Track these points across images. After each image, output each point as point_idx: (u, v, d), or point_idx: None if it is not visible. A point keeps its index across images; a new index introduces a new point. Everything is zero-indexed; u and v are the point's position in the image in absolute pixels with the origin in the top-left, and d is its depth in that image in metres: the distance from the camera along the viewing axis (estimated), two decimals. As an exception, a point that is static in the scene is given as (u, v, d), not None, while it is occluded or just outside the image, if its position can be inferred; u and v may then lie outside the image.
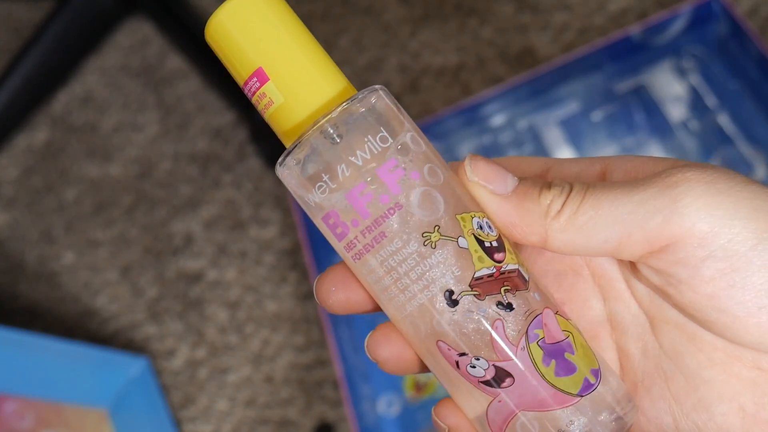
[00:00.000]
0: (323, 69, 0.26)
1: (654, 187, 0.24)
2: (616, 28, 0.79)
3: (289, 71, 0.25)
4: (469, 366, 0.24)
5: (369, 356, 0.27)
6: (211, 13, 0.26)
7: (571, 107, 0.75)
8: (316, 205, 0.25)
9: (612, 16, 0.80)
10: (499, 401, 0.24)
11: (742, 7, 0.76)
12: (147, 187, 0.87)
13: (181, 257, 0.82)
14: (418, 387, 0.69)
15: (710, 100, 0.72)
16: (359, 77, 0.86)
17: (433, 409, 0.27)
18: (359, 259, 0.25)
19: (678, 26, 0.73)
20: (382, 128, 0.25)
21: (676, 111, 0.72)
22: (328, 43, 0.89)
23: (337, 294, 0.27)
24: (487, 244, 0.25)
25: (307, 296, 0.76)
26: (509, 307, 0.24)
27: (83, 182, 0.90)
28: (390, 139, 0.25)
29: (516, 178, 0.26)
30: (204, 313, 0.79)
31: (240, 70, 0.26)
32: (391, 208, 0.24)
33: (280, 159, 0.26)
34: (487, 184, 0.26)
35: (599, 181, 0.27)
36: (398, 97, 0.83)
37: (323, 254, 0.73)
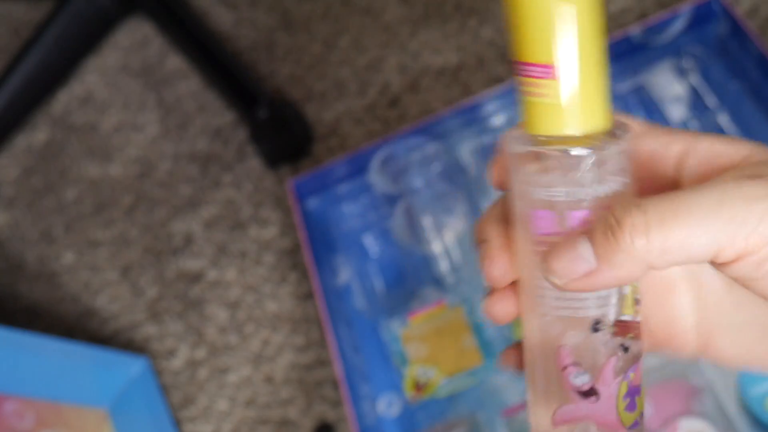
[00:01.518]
0: (600, 91, 0.26)
1: (740, 201, 0.24)
2: (616, 28, 0.79)
3: (575, 81, 0.25)
4: (573, 374, 0.29)
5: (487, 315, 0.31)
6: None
7: (571, 107, 0.75)
8: (536, 200, 0.27)
9: (612, 16, 0.80)
10: (576, 406, 0.29)
11: (742, 7, 0.76)
12: (147, 187, 0.87)
13: (181, 257, 0.82)
14: (418, 387, 0.69)
15: (710, 100, 0.72)
16: (359, 77, 0.86)
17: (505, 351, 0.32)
18: (538, 256, 0.27)
19: (678, 26, 0.73)
20: (619, 169, 0.27)
21: (676, 111, 0.72)
22: (328, 43, 0.89)
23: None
24: (637, 296, 0.29)
25: (307, 296, 0.76)
26: (627, 349, 0.29)
27: (83, 182, 0.90)
28: (624, 179, 0.27)
29: (586, 240, 0.25)
30: (204, 313, 0.79)
31: (528, 50, 0.25)
32: None
33: (515, 133, 0.27)
34: (572, 273, 0.26)
35: (673, 168, 0.28)
36: (398, 97, 0.83)
37: (323, 254, 0.73)
